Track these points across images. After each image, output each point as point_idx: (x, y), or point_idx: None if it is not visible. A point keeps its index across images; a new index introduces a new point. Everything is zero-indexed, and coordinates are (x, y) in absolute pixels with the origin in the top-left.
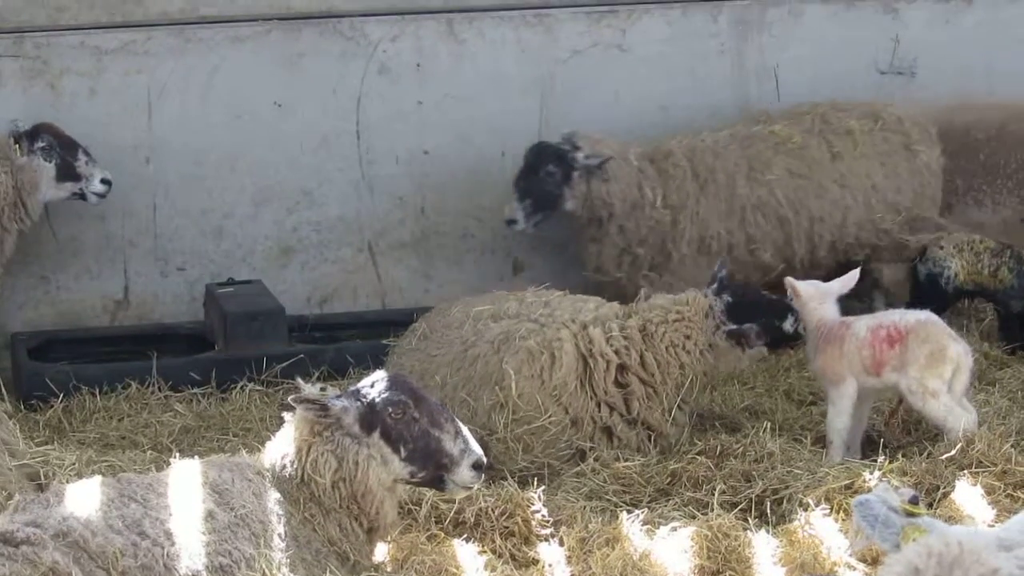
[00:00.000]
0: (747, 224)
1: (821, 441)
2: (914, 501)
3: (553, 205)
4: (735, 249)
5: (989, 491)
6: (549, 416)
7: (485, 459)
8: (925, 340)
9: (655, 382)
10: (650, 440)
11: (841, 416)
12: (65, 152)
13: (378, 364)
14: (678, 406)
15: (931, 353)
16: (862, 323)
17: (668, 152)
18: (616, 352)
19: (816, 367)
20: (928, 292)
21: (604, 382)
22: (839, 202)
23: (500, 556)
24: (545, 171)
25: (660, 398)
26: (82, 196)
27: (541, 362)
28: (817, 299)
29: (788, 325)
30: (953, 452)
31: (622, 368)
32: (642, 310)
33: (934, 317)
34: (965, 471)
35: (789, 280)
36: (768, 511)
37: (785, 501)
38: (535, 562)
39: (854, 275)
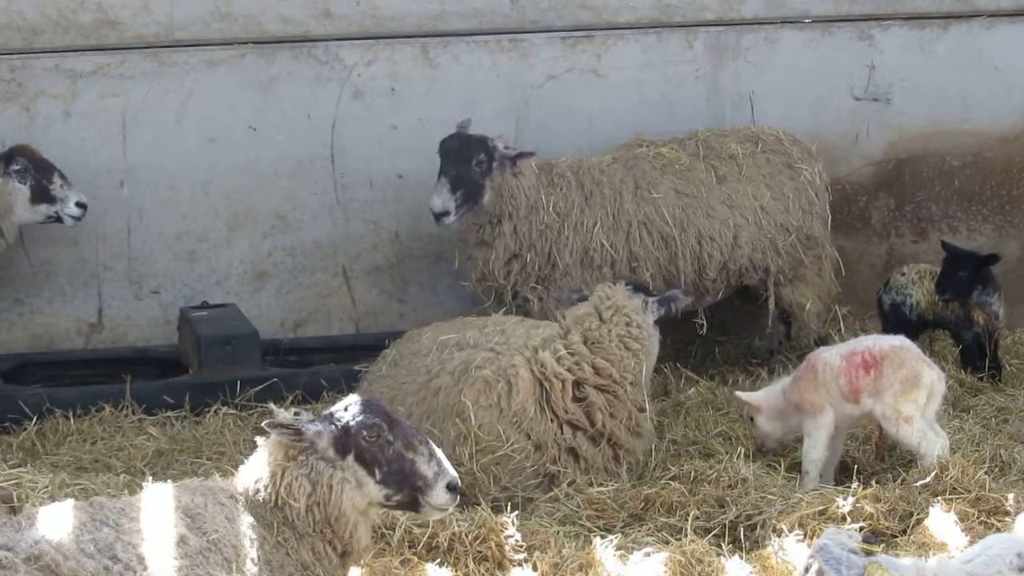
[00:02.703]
0: (632, 241)
1: (795, 467)
2: (868, 540)
3: (477, 197)
4: (617, 264)
5: (963, 518)
6: (512, 444)
7: (459, 481)
8: (900, 366)
9: (614, 386)
10: (617, 460)
11: (817, 447)
12: (40, 175)
13: (352, 388)
14: (640, 410)
15: (906, 379)
16: (834, 352)
17: (553, 165)
18: (568, 369)
19: (794, 403)
20: (893, 322)
21: (563, 400)
22: (728, 221)
23: None
24: (477, 160)
25: (624, 403)
26: (58, 219)
27: (498, 390)
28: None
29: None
30: (928, 479)
31: (577, 384)
32: (573, 324)
33: (908, 342)
34: (939, 498)
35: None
36: (741, 537)
37: (759, 527)
38: None
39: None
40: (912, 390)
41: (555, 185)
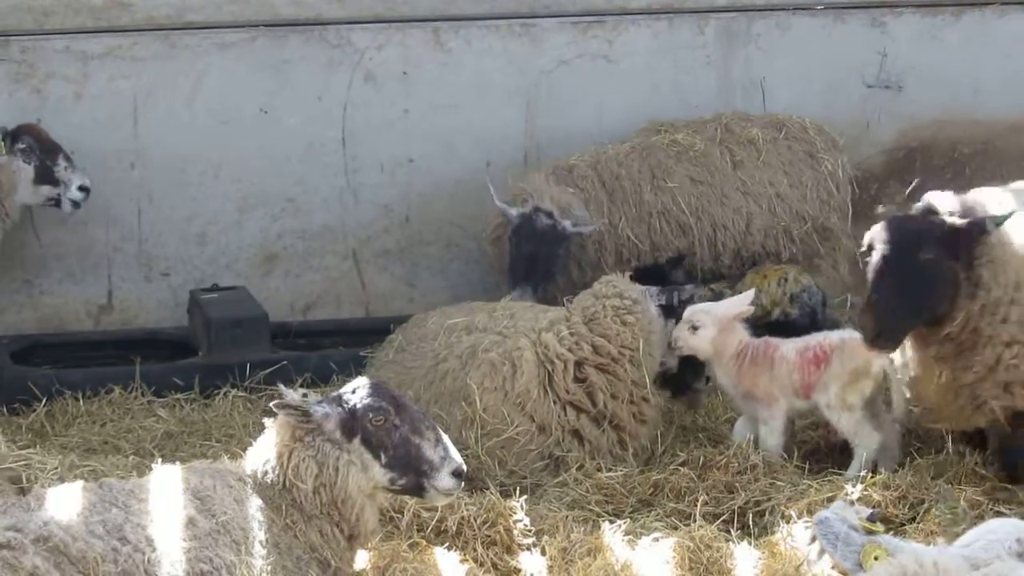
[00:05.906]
0: (653, 231)
1: (805, 455)
2: (872, 519)
3: (560, 274)
4: (642, 256)
5: (974, 506)
6: (516, 426)
7: (465, 467)
8: (851, 358)
9: (613, 365)
10: (622, 444)
11: (775, 435)
12: (45, 155)
13: (361, 372)
14: (643, 397)
15: (855, 370)
16: (790, 346)
17: (571, 166)
18: (570, 350)
19: (744, 389)
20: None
21: (564, 381)
22: (741, 209)
23: (482, 565)
24: (562, 252)
25: (624, 382)
26: (57, 203)
27: (503, 373)
28: (717, 325)
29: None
30: (859, 475)
31: (578, 364)
32: (575, 307)
33: (857, 335)
34: (951, 486)
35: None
36: (750, 523)
37: (767, 513)
38: (517, 571)
39: (749, 295)
40: (860, 380)
41: (583, 190)
